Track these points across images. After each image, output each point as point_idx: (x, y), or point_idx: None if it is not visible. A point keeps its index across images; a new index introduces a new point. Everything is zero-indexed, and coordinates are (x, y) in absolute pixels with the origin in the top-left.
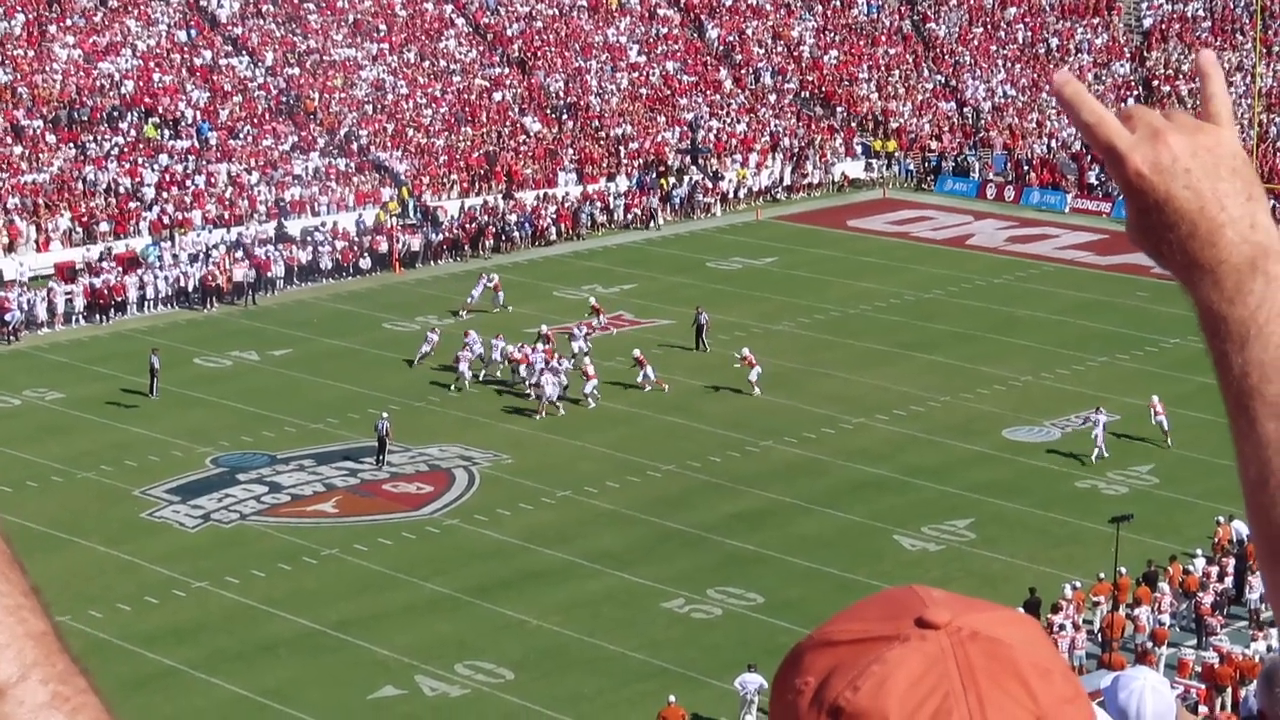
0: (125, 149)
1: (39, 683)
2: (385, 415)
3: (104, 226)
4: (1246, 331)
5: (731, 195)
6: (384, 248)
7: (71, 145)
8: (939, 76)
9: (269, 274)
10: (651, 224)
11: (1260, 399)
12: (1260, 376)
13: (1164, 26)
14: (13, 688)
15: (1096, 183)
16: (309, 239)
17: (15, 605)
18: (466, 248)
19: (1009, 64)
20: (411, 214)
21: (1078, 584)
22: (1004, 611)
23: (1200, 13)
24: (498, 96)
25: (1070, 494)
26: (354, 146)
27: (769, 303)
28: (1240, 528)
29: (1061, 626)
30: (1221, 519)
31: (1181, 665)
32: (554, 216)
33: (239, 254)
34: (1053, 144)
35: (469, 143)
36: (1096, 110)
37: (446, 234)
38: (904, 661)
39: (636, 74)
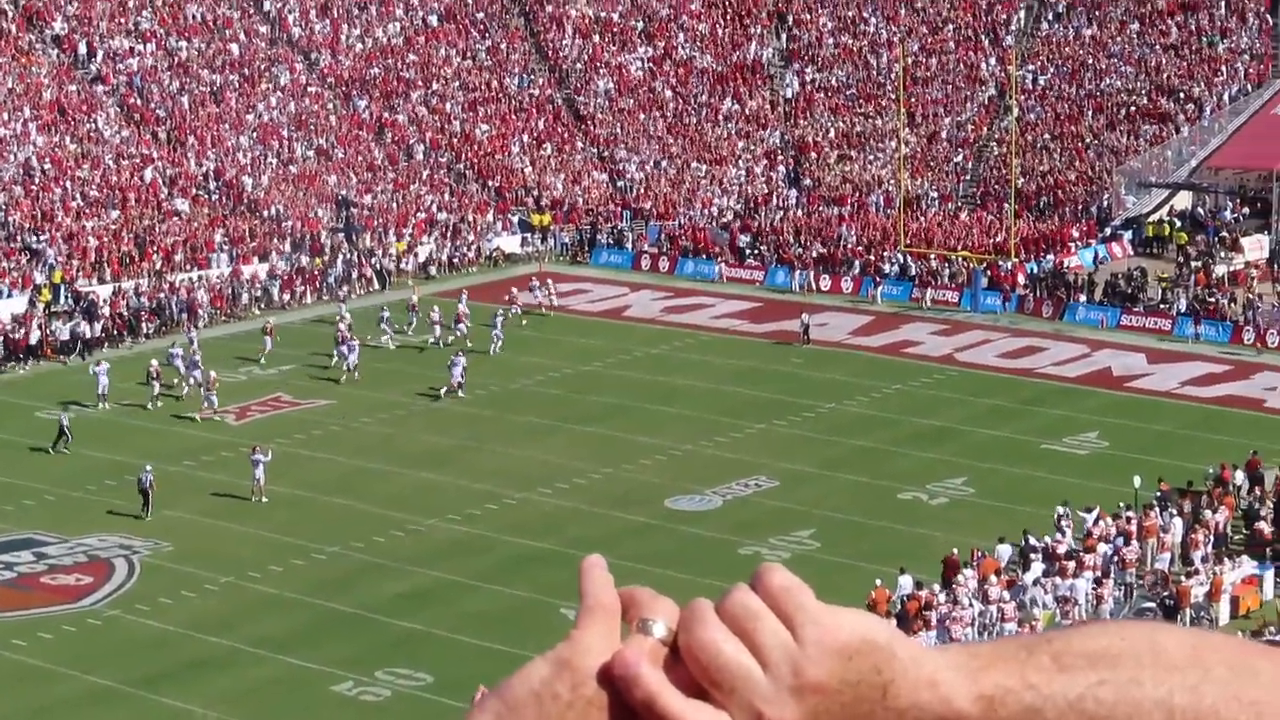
0: None
1: None
2: (149, 468)
3: None
4: None
5: (386, 272)
6: (35, 336)
7: None
8: (591, 149)
9: None
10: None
11: None
12: None
13: (809, 94)
14: None
15: (748, 251)
16: None
17: None
18: (122, 333)
19: (660, 135)
20: (63, 300)
21: None
22: None
23: (844, 80)
24: (148, 176)
25: (734, 561)
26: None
27: (428, 379)
28: (905, 584)
29: None
30: (880, 581)
31: None
32: (208, 298)
33: None
34: (705, 213)
35: (119, 225)
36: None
37: (100, 319)
38: None
39: (288, 152)
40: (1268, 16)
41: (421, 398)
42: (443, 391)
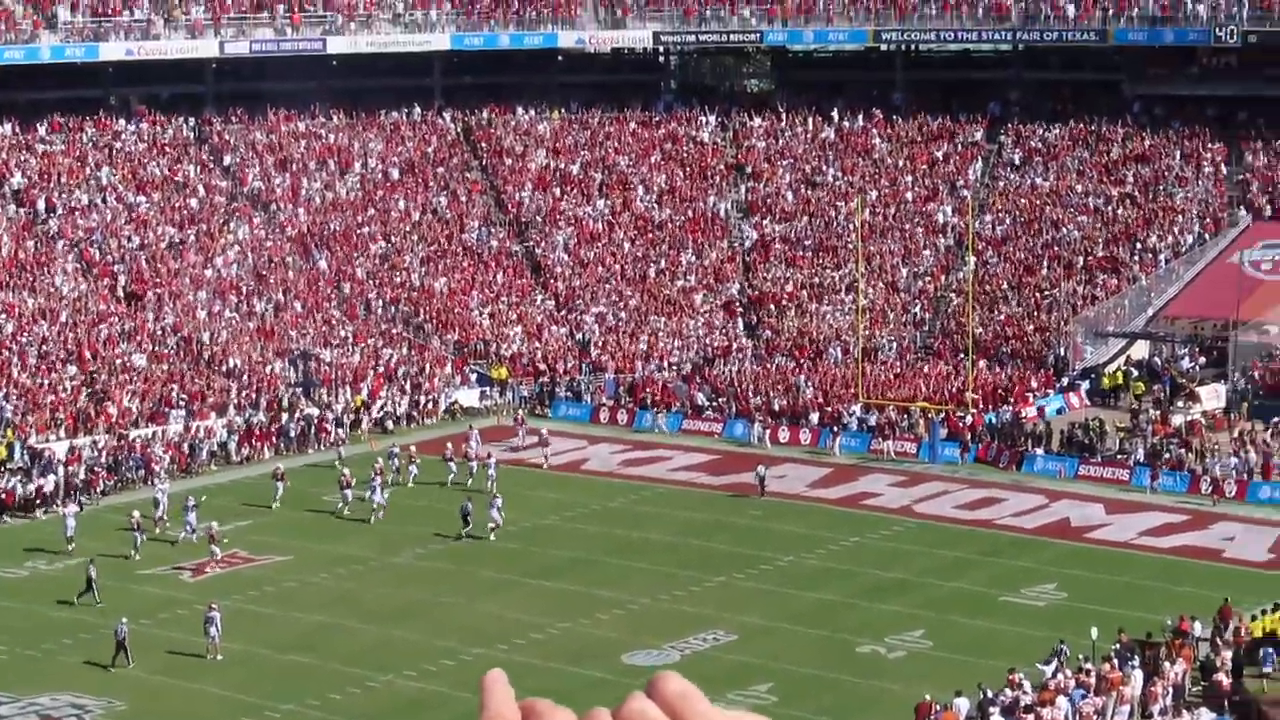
0: None
1: None
2: (124, 620)
3: None
4: None
5: (346, 426)
6: None
7: None
8: (550, 301)
9: None
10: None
11: None
12: None
13: (768, 246)
14: None
15: (706, 404)
16: None
17: None
18: (78, 489)
19: (618, 287)
20: (18, 457)
21: None
22: None
23: (803, 231)
24: (104, 332)
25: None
26: None
27: (389, 534)
28: None
29: None
30: None
31: None
32: (166, 454)
33: None
34: (664, 365)
35: (76, 380)
36: None
37: (56, 476)
38: None
39: (247, 306)
40: (1222, 166)
41: (381, 555)
42: (491, 534)
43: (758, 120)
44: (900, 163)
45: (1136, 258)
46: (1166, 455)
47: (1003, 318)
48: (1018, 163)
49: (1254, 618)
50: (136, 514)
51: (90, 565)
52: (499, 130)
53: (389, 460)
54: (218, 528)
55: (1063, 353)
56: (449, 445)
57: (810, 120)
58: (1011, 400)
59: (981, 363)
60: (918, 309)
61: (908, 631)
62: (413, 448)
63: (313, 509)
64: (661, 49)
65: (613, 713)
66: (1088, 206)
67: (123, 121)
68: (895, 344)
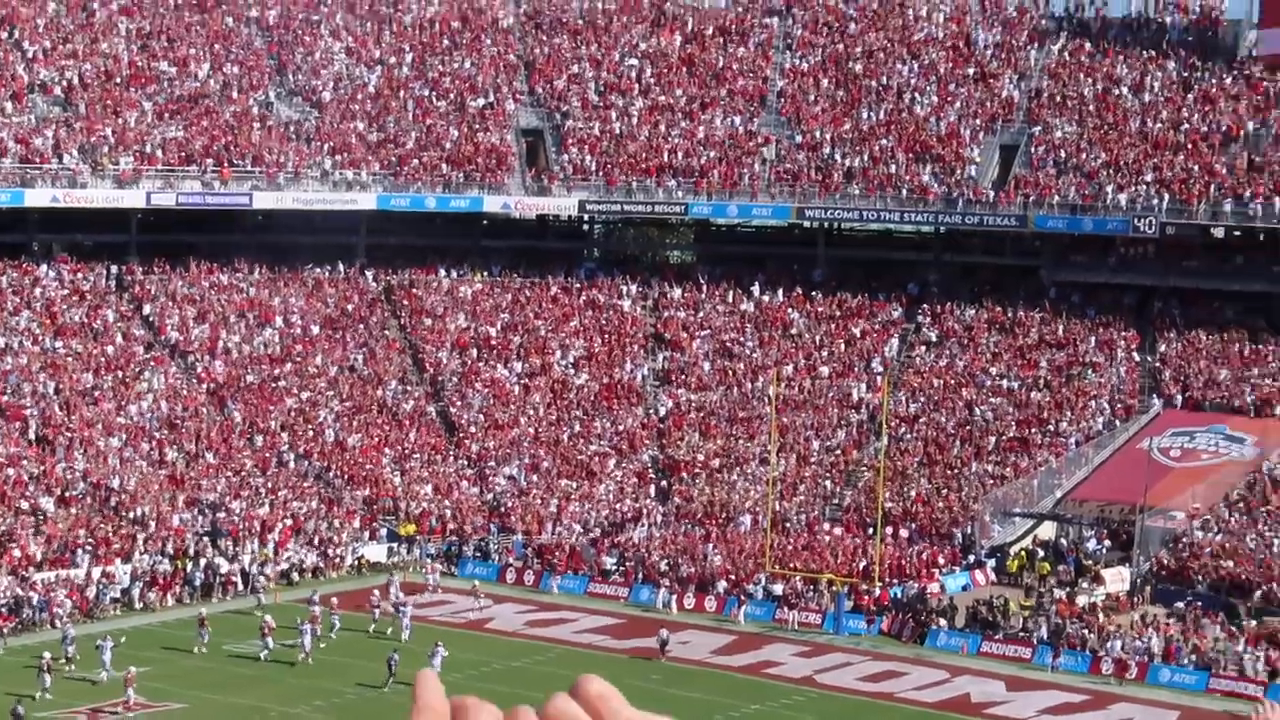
0: None
1: None
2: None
3: None
4: None
5: (253, 578)
6: None
7: None
8: (462, 460)
9: None
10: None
11: None
12: None
13: (682, 415)
14: None
15: (613, 568)
16: None
17: None
18: None
19: (532, 449)
20: None
21: None
22: None
23: (718, 402)
24: (11, 473)
25: None
26: None
27: (286, 686)
28: None
29: None
30: None
31: None
32: (68, 598)
33: None
34: (574, 528)
35: None
36: None
37: None
38: None
39: (158, 454)
40: (1135, 353)
41: (280, 704)
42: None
43: (678, 291)
44: (818, 338)
45: (1047, 440)
46: (1069, 634)
47: (913, 494)
48: (934, 341)
49: None
50: (47, 655)
51: (19, 704)
52: (421, 291)
53: (312, 608)
54: (135, 671)
55: (970, 530)
56: (376, 592)
57: (730, 293)
58: (918, 575)
59: (888, 535)
60: (828, 482)
61: None
62: (334, 599)
63: (219, 657)
64: (586, 217)
65: (538, 711)
66: (1001, 388)
67: (44, 267)
68: (804, 516)
